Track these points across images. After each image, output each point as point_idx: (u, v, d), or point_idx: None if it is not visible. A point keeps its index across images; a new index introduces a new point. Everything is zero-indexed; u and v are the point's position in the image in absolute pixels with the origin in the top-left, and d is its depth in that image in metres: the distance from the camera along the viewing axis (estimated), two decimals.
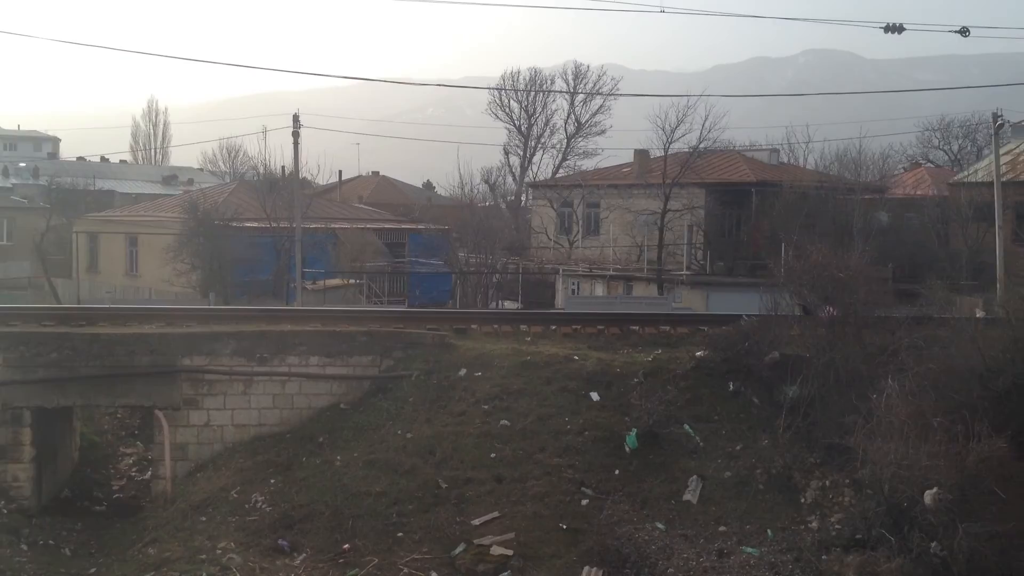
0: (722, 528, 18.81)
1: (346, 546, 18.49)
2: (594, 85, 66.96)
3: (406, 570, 17.86)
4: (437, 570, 17.84)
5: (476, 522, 18.80)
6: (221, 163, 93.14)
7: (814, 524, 18.73)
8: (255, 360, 22.07)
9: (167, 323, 23.27)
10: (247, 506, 19.75)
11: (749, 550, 18.17)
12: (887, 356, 20.26)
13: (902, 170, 65.66)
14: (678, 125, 44.78)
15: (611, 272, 45.37)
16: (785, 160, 57.38)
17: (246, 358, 22.04)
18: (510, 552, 18.01)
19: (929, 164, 68.62)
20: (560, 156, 67.73)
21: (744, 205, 47.97)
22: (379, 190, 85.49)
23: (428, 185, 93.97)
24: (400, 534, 18.73)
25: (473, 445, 20.51)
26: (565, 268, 47.03)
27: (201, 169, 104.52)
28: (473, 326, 24.96)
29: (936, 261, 40.81)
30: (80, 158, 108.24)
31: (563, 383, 21.99)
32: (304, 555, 18.44)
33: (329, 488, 19.87)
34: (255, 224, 42.81)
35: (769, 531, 18.65)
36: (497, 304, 45.42)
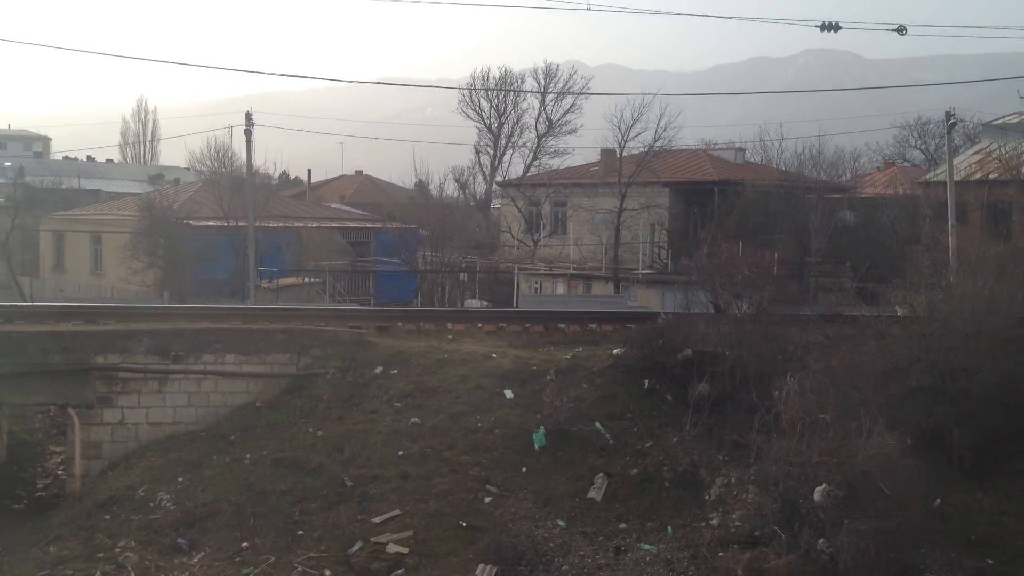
0: (623, 525, 18.78)
1: (244, 544, 18.47)
2: (564, 84, 67.15)
3: (300, 568, 17.81)
4: (332, 568, 17.79)
5: (377, 520, 18.75)
6: (209, 162, 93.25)
7: (715, 521, 18.70)
8: (170, 358, 22.02)
9: (85, 321, 23.26)
10: (152, 504, 19.73)
11: (647, 547, 18.16)
12: (795, 353, 20.24)
13: (876, 169, 65.62)
14: (633, 124, 44.80)
15: (571, 271, 45.39)
16: (757, 159, 57.41)
17: (161, 356, 22.00)
18: (405, 550, 17.97)
19: (906, 163, 68.47)
20: (531, 155, 67.81)
21: (708, 204, 47.93)
22: (362, 190, 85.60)
23: (420, 185, 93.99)
24: (300, 532, 18.69)
25: (382, 443, 20.47)
26: (524, 267, 47.05)
27: (188, 168, 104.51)
28: (399, 324, 24.94)
29: (896, 260, 40.76)
30: (66, 157, 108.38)
31: (478, 381, 21.97)
32: (203, 554, 18.42)
33: (235, 486, 19.84)
34: (211, 223, 42.81)
35: (670, 528, 18.63)
36: (460, 303, 45.45)
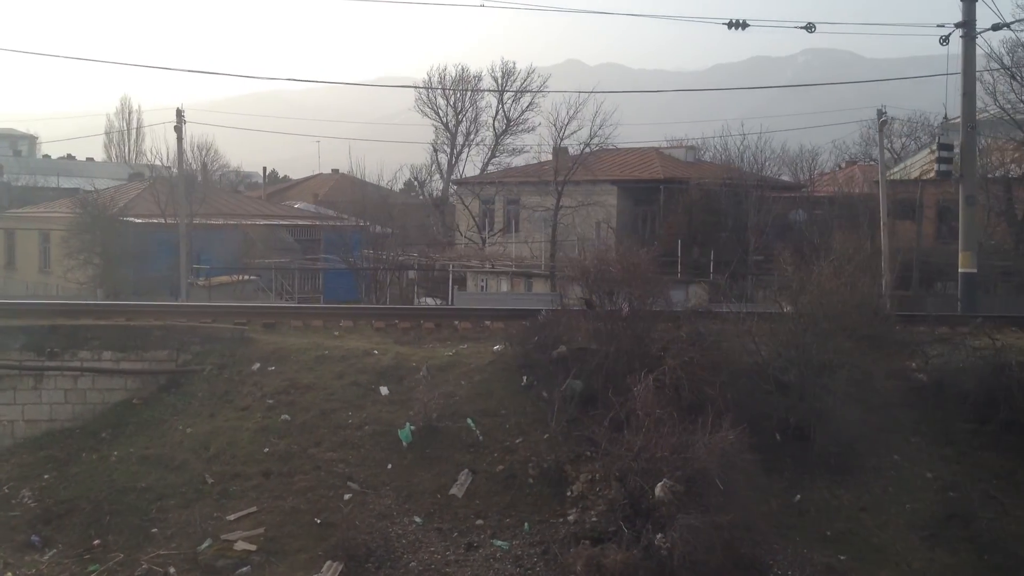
0: (479, 522, 18.65)
1: (96, 542, 18.34)
2: (522, 83, 67.01)
3: (146, 566, 17.65)
4: (177, 566, 17.66)
5: (231, 517, 18.63)
6: (192, 161, 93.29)
7: (572, 517, 18.55)
8: (45, 355, 21.93)
9: None
10: (13, 501, 19.59)
11: (499, 543, 18.05)
12: (661, 349, 20.12)
13: (837, 167, 65.47)
14: (568, 122, 44.88)
15: (512, 269, 45.36)
16: (716, 158, 57.31)
17: (36, 352, 21.90)
18: (253, 547, 17.86)
19: (871, 162, 68.21)
20: (489, 153, 67.66)
21: (655, 202, 47.95)
22: (337, 188, 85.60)
23: (411, 185, 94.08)
24: (154, 530, 18.54)
25: (249, 440, 20.33)
26: (469, 265, 47.05)
27: (170, 167, 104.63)
28: (290, 320, 24.83)
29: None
30: (46, 156, 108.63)
31: (354, 377, 21.83)
32: (54, 551, 18.30)
33: (97, 484, 19.70)
34: (145, 220, 42.79)
35: (527, 524, 18.49)
36: (417, 300, 45.47)
